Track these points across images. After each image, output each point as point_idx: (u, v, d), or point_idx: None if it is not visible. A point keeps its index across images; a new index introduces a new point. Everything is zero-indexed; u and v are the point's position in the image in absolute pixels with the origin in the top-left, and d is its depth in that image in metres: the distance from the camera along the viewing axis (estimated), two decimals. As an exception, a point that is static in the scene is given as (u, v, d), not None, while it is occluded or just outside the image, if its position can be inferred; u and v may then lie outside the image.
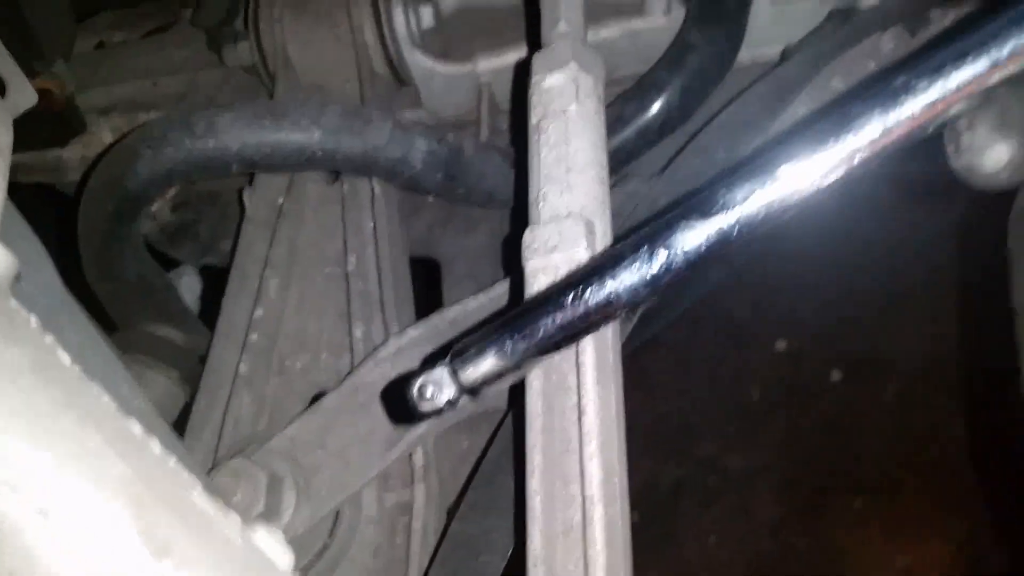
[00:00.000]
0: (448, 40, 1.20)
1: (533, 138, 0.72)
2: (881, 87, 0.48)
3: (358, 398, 0.91)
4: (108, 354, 0.59)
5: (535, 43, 0.83)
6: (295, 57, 1.17)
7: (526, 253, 0.65)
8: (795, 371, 2.38)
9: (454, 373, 0.58)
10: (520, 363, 0.57)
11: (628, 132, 0.98)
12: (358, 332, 1.00)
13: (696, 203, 0.53)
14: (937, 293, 2.28)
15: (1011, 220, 0.60)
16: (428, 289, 1.17)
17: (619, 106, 0.98)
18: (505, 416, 0.84)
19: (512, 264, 0.70)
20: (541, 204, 0.67)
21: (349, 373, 0.93)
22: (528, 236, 0.66)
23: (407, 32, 1.16)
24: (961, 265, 2.26)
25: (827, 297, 2.41)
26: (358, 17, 1.14)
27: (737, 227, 0.51)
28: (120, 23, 1.49)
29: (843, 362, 2.34)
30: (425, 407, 0.57)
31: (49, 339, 0.40)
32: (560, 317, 0.56)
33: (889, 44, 0.92)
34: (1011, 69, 0.46)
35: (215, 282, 1.25)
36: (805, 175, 0.49)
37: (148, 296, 1.14)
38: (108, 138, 1.39)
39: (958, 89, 0.46)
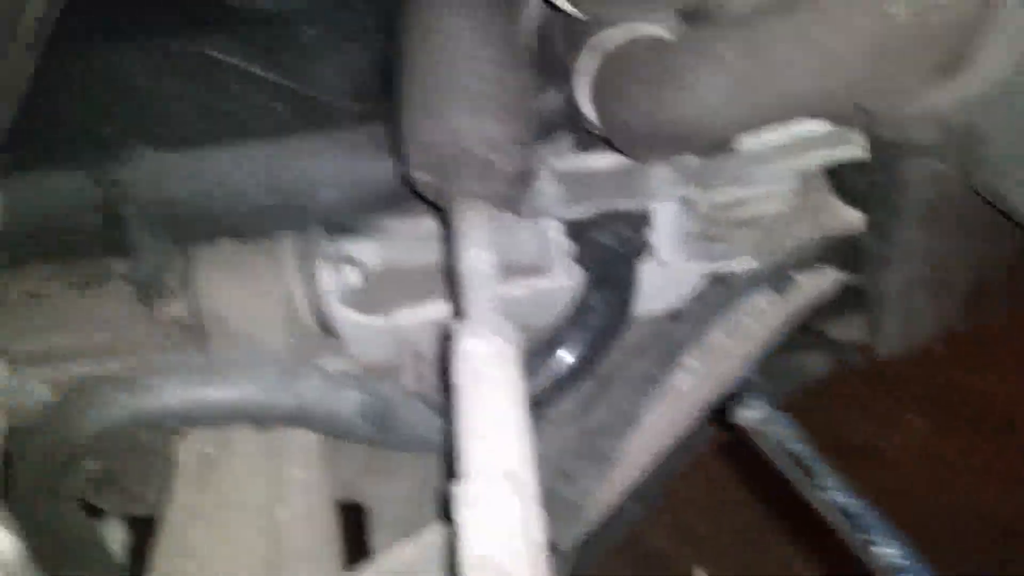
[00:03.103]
0: (372, 296, 1.32)
1: (456, 398, 0.81)
2: None
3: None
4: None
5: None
6: (227, 313, 1.25)
7: (457, 506, 0.72)
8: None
9: None
10: None
11: (541, 381, 1.09)
12: (285, 583, 1.02)
13: None
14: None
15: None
16: (353, 534, 1.20)
17: (532, 358, 1.10)
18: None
19: (445, 514, 0.76)
20: (469, 459, 0.75)
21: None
22: (458, 490, 0.73)
23: (334, 290, 1.27)
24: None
25: (746, 520, 2.45)
26: (289, 278, 1.24)
27: None
28: (52, 274, 1.55)
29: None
30: None
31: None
32: None
33: (763, 303, 1.09)
34: None
35: (141, 532, 1.25)
36: None
37: (75, 550, 1.13)
38: (34, 388, 1.41)
39: None
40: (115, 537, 1.26)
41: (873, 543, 0.86)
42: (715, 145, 1.02)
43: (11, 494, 1.05)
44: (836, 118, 1.05)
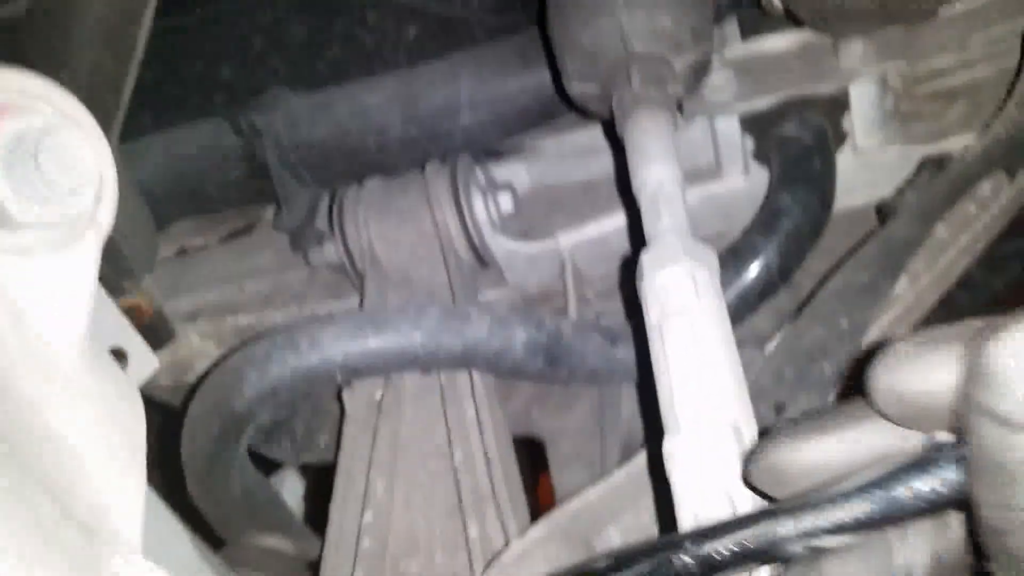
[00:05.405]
0: (527, 221, 1.22)
1: (655, 338, 0.70)
2: None
3: (484, 608, 0.87)
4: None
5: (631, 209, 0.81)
6: (382, 254, 1.19)
7: (670, 466, 0.62)
8: None
9: None
10: None
11: (727, 298, 0.97)
12: (473, 531, 0.96)
13: None
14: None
15: None
16: (530, 467, 1.14)
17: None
18: None
19: (656, 475, 0.66)
20: (679, 410, 0.65)
21: (472, 578, 0.90)
22: (671, 447, 0.63)
23: (488, 219, 1.19)
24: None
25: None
26: (441, 212, 1.16)
27: None
28: (199, 229, 1.54)
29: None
30: None
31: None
32: None
33: (988, 188, 0.91)
34: None
35: (317, 480, 1.23)
36: None
37: (254, 508, 1.12)
38: (196, 343, 1.41)
39: None
40: (292, 489, 1.25)
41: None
42: (927, 11, 0.84)
43: (186, 462, 1.04)
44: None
